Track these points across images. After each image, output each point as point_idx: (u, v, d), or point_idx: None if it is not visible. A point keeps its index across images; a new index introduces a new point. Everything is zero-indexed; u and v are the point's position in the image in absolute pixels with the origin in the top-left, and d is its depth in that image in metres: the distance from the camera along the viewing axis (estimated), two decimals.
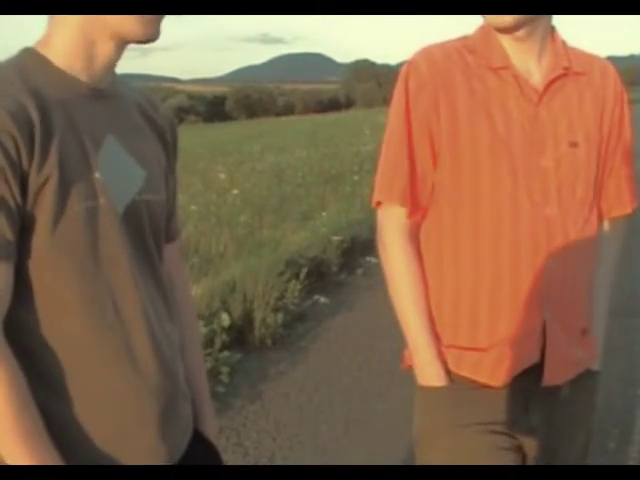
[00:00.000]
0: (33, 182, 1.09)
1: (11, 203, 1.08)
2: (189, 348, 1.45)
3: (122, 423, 1.21)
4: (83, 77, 1.21)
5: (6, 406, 1.07)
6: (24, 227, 1.11)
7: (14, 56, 1.21)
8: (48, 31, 1.20)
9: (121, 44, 1.22)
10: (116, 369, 1.20)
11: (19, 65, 1.19)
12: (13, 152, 1.07)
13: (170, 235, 1.42)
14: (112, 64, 1.23)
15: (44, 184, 1.10)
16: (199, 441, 1.41)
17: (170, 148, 1.39)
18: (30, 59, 1.20)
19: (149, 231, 1.26)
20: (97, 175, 1.17)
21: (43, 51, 1.20)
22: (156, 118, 1.36)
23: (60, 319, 1.16)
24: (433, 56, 1.58)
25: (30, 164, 1.09)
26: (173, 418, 1.28)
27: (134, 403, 1.22)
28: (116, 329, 1.19)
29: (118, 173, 1.21)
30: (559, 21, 1.61)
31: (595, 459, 1.87)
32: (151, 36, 1.20)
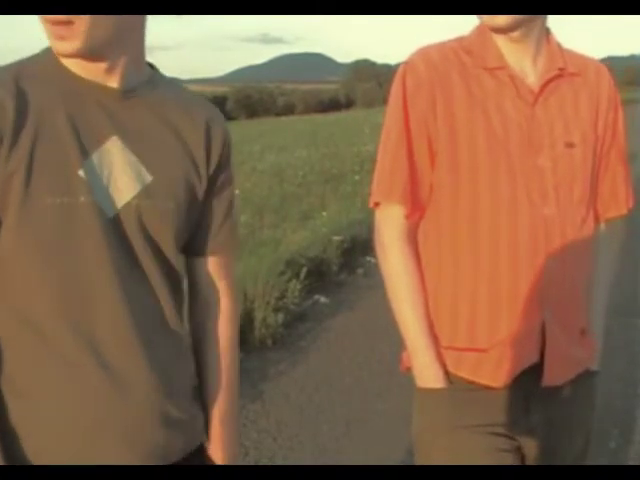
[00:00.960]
0: (0, 174, 1.12)
1: None
2: (216, 378, 1.37)
3: (81, 428, 1.18)
4: (93, 78, 1.20)
5: None
6: None
7: (34, 54, 1.23)
8: None
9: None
10: (77, 369, 1.17)
11: (27, 64, 1.21)
12: None
13: (200, 249, 1.34)
14: (103, 69, 1.20)
15: (11, 176, 1.13)
16: (201, 460, 1.36)
17: (204, 159, 1.30)
18: (43, 59, 1.21)
19: (142, 236, 1.22)
20: (81, 173, 1.16)
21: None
22: (186, 126, 1.28)
23: (22, 305, 1.16)
24: (430, 56, 1.58)
25: None
26: (156, 427, 1.23)
27: (99, 408, 1.18)
28: (82, 328, 1.17)
29: (113, 174, 1.19)
30: (559, 21, 1.61)
31: (595, 459, 1.87)
32: (59, 51, 1.16)
